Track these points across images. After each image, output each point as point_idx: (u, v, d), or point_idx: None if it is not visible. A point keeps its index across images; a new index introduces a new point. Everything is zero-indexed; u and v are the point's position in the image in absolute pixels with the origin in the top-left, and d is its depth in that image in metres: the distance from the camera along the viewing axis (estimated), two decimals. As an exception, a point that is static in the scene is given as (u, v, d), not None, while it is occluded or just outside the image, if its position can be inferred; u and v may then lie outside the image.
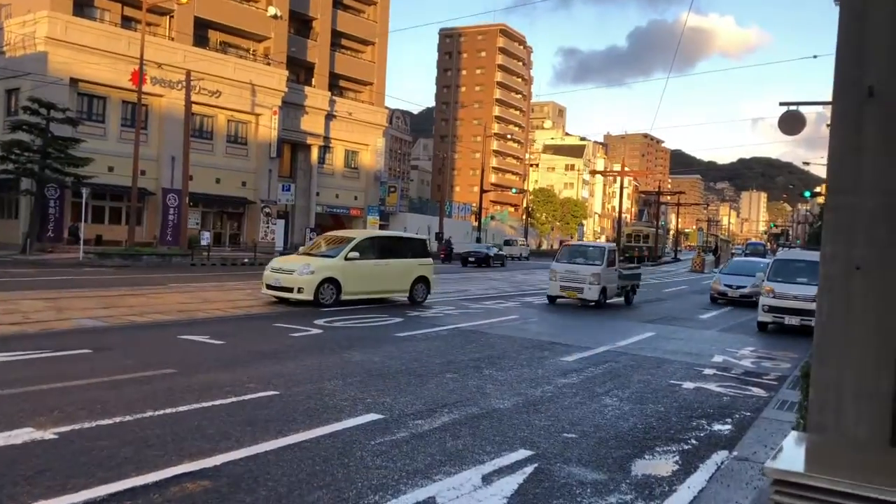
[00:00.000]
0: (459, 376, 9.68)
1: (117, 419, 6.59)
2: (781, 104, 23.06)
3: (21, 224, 35.18)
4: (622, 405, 8.64)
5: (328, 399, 7.89)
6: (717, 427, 7.91)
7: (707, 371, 11.40)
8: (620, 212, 57.32)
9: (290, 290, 16.38)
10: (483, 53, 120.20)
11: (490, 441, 6.69)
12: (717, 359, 12.72)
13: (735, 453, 6.60)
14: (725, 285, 24.97)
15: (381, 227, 57.11)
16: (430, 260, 19.52)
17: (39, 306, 13.90)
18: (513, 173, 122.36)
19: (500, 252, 51.24)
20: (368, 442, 6.44)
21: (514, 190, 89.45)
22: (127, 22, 39.90)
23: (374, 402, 7.85)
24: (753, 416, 8.39)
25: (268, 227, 46.27)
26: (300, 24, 51.68)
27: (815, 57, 24.23)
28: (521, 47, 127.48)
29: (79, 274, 23.52)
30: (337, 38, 54.66)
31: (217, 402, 7.42)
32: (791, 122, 22.63)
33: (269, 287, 16.85)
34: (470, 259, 45.83)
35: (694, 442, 7.22)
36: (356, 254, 17.09)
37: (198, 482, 5.16)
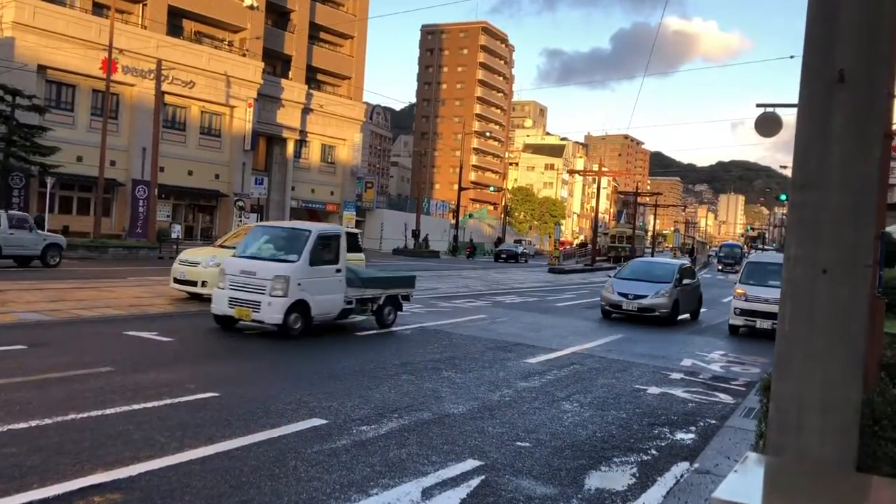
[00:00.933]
0: (416, 378, 9.26)
1: (34, 423, 6.10)
2: (758, 106, 22.88)
3: (-16, 213, 34.21)
4: (582, 411, 8.26)
5: (271, 402, 7.44)
6: (679, 436, 7.55)
7: (674, 375, 11.07)
8: (597, 212, 57.15)
9: (193, 283, 15.31)
10: (465, 51, 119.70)
11: (437, 450, 6.27)
12: (686, 362, 12.40)
13: (696, 465, 6.24)
14: (620, 294, 18.46)
15: (357, 224, 56.56)
16: (361, 255, 17.87)
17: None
18: (493, 171, 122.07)
19: (526, 251, 61.75)
20: (305, 450, 6.00)
21: (492, 188, 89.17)
22: (98, 9, 38.97)
23: (319, 406, 7.41)
24: (718, 424, 8.05)
25: (241, 220, 45.40)
26: (277, 15, 50.96)
27: (791, 57, 23.98)
28: (503, 45, 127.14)
29: (40, 266, 22.80)
30: (315, 31, 53.98)
31: (150, 405, 6.95)
32: (767, 125, 22.41)
33: (175, 281, 15.69)
34: (502, 256, 57.00)
35: (654, 452, 6.86)
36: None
37: (106, 496, 4.70)
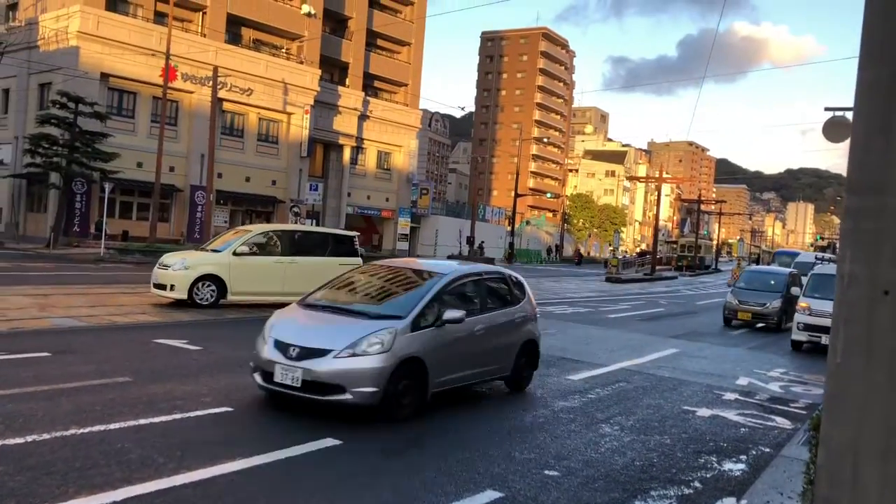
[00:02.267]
0: (444, 396, 8.76)
1: (31, 438, 5.81)
2: (827, 109, 21.69)
3: (48, 218, 35.14)
4: (622, 435, 7.63)
5: (286, 420, 7.04)
6: (727, 466, 6.88)
7: (728, 396, 10.31)
8: (657, 219, 55.61)
9: (164, 287, 14.73)
10: (525, 57, 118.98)
11: (455, 478, 5.75)
12: (742, 381, 11.60)
13: (743, 502, 5.60)
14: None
15: (412, 230, 56.42)
16: (357, 259, 16.70)
17: (25, 303, 13.31)
18: (552, 178, 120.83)
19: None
20: (312, 474, 5.57)
21: (549, 194, 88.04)
22: (160, 17, 39.69)
23: (337, 424, 6.96)
24: (772, 453, 7.34)
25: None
26: (335, 23, 51.22)
27: (862, 57, 22.64)
28: (564, 51, 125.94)
29: (94, 270, 23.13)
30: (372, 38, 54.10)
31: (158, 419, 6.62)
32: (836, 129, 21.25)
33: (154, 286, 15.03)
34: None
35: (697, 485, 6.21)
36: (245, 248, 15.09)
37: (81, 524, 4.34)
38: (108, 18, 36.58)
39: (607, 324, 18.75)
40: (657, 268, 54.24)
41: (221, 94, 39.29)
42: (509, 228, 63.93)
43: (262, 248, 15.65)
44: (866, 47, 3.02)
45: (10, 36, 35.60)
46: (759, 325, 20.66)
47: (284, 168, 45.86)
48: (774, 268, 26.78)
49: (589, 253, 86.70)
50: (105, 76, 36.79)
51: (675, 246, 75.44)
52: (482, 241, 58.37)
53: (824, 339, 15.46)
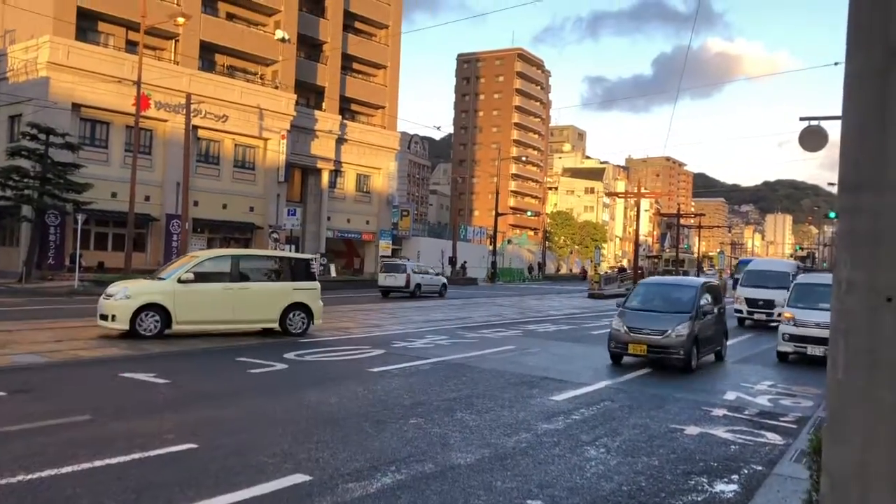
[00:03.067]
0: (425, 422, 8.39)
1: (-27, 486, 5.39)
2: (802, 119, 21.70)
3: (21, 252, 34.45)
4: (608, 458, 7.30)
5: (254, 454, 6.64)
6: (719, 487, 6.55)
7: (716, 412, 10.01)
8: (637, 234, 55.63)
9: (105, 317, 14.07)
10: (501, 78, 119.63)
11: (431, 513, 5.39)
12: (730, 396, 11.31)
13: (738, 528, 5.28)
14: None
15: (394, 252, 56.04)
16: (313, 284, 16.41)
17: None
18: (532, 196, 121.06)
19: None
20: (276, 516, 5.19)
21: (529, 213, 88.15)
22: (131, 46, 39.32)
23: (307, 459, 6.59)
24: (765, 471, 7.03)
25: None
26: (310, 48, 51.10)
27: (836, 64, 22.76)
28: (539, 71, 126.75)
29: (66, 303, 22.58)
30: (348, 62, 54.03)
31: (115, 460, 6.21)
32: (812, 138, 21.27)
33: (100, 317, 14.31)
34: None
35: (688, 510, 5.88)
36: (191, 275, 14.43)
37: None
38: (78, 48, 36.16)
39: (590, 340, 18.44)
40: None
41: (196, 121, 38.92)
42: (491, 248, 63.75)
43: (209, 275, 14.95)
44: (853, 35, 2.75)
45: (-23, 68, 35.09)
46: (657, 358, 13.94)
47: (262, 194, 45.44)
48: (680, 279, 19.59)
49: (571, 269, 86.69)
50: (77, 106, 36.32)
51: (657, 260, 75.76)
52: (465, 262, 58.15)
53: (810, 350, 15.26)
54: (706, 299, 14.64)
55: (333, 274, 44.96)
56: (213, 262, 15.43)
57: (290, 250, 47.58)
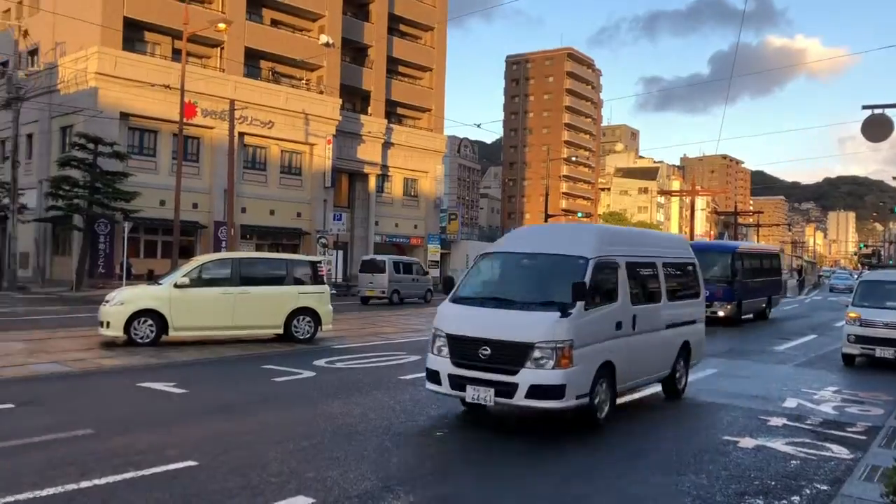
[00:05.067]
0: (447, 433, 7.76)
1: (-57, 510, 4.95)
2: (864, 107, 20.46)
3: (73, 260, 34.95)
4: (650, 475, 6.56)
5: (257, 473, 6.09)
6: (777, 512, 5.77)
7: (774, 421, 9.13)
8: (692, 233, 54.06)
9: (101, 324, 13.70)
10: (550, 79, 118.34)
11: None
12: (790, 403, 10.39)
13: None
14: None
15: (442, 256, 55.54)
16: (321, 287, 15.73)
17: (15, 349, 12.62)
18: (583, 198, 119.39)
19: None
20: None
21: (580, 214, 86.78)
22: (177, 55, 39.49)
23: (315, 478, 6.01)
24: (830, 491, 6.22)
25: (324, 257, 45.18)
26: (354, 51, 50.98)
27: (899, 47, 21.40)
28: (590, 70, 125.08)
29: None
30: (393, 65, 53.76)
31: (104, 480, 5.72)
32: (876, 128, 19.92)
33: (100, 324, 13.87)
34: None
35: (740, 540, 5.12)
36: (186, 280, 13.90)
37: None
38: (125, 58, 36.57)
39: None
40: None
41: (242, 127, 39.05)
42: (541, 250, 62.68)
43: (209, 280, 14.43)
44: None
45: (30, 81, 35.72)
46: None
47: (309, 199, 45.38)
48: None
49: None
50: (125, 115, 36.72)
51: None
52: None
53: (879, 352, 14.20)
54: None
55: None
56: (214, 266, 14.92)
57: (341, 256, 47.58)
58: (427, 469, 6.48)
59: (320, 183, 45.40)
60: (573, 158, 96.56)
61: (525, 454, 7.09)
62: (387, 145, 51.56)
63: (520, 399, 7.49)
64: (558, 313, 7.63)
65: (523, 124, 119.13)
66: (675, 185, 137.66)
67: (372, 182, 50.90)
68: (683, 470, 6.79)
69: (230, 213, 33.52)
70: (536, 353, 7.48)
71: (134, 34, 39.10)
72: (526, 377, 7.46)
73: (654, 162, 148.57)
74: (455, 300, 8.56)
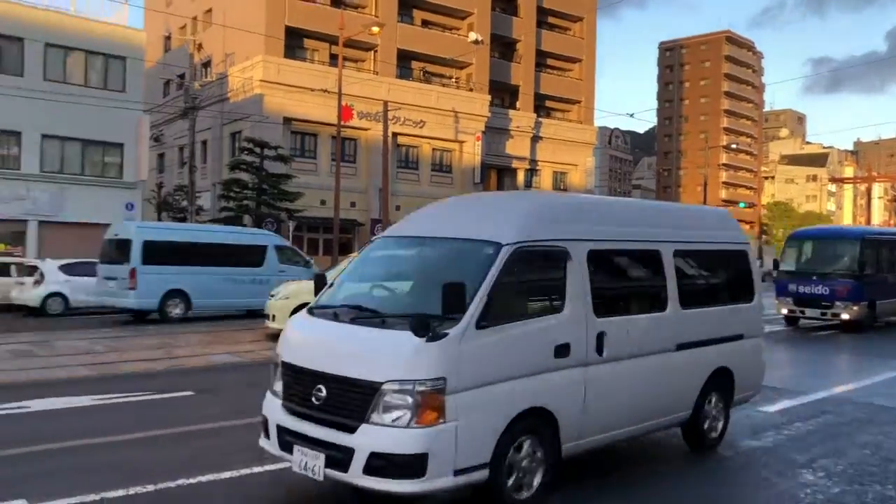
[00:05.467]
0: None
1: (134, 490, 5.36)
2: None
3: (244, 258, 37.23)
4: (829, 486, 6.07)
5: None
6: (981, 532, 5.17)
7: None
8: (869, 224, 50.10)
9: (267, 317, 14.35)
10: (707, 63, 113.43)
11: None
12: None
13: None
14: None
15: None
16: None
17: (196, 339, 13.62)
18: (745, 187, 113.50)
19: None
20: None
21: (742, 204, 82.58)
22: (334, 59, 41.28)
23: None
24: None
25: None
26: (503, 46, 51.05)
27: None
28: (750, 53, 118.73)
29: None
30: (542, 58, 53.34)
31: (279, 466, 6.00)
32: None
33: (266, 317, 14.63)
34: None
35: (938, 561, 4.63)
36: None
37: None
38: (287, 65, 38.58)
39: (812, 341, 16.43)
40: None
41: (395, 128, 40.12)
42: (699, 243, 60.25)
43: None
44: None
45: (204, 91, 38.46)
46: None
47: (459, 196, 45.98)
48: None
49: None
50: (287, 120, 38.74)
51: None
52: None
53: None
54: None
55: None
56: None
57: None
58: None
59: (470, 179, 45.88)
60: (733, 146, 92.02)
61: (688, 452, 6.78)
62: (535, 139, 51.31)
63: (355, 474, 4.61)
64: (424, 335, 4.60)
65: (678, 112, 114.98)
66: (849, 171, 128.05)
67: (520, 177, 50.84)
68: (868, 480, 6.23)
69: (385, 210, 34.55)
70: (386, 400, 4.62)
71: (294, 42, 41.13)
72: (365, 439, 4.61)
73: (824, 147, 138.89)
74: (312, 309, 5.83)
